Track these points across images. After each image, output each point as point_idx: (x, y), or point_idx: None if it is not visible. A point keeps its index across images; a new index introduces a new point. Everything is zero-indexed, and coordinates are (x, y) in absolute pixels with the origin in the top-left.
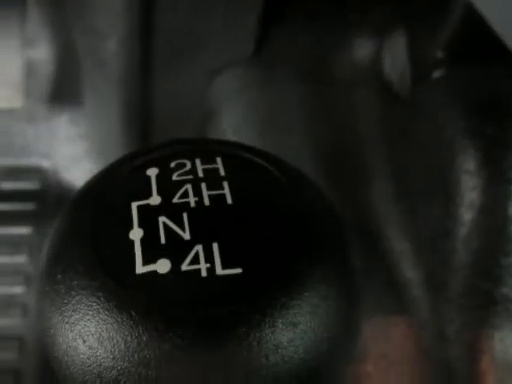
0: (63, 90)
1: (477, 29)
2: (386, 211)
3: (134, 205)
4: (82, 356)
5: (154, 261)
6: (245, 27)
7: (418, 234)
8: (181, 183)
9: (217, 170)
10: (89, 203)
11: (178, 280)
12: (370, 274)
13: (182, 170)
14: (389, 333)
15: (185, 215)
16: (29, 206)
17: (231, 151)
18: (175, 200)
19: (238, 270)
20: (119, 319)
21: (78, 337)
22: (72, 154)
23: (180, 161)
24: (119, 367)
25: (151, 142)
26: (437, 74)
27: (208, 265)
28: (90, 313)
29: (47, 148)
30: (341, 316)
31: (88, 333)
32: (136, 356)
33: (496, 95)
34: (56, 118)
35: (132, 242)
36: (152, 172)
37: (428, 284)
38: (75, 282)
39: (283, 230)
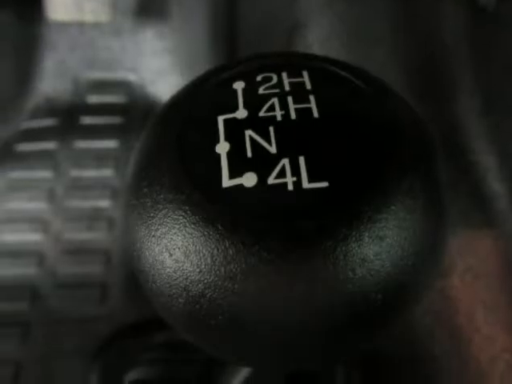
0: (149, 4)
1: None
2: (471, 125)
3: (221, 118)
4: (168, 270)
5: (240, 174)
6: None
7: (504, 148)
8: (267, 97)
9: (303, 83)
10: (175, 117)
11: (265, 193)
12: (456, 187)
13: (268, 84)
14: (475, 246)
15: (271, 129)
16: (115, 120)
17: (317, 65)
18: (261, 113)
19: (325, 184)
20: (206, 233)
21: (164, 250)
22: (158, 67)
23: (266, 74)
24: (205, 281)
25: (237, 56)
26: None
27: (294, 178)
28: (177, 226)
29: (133, 62)
30: (427, 230)
31: (174, 246)
32: (222, 270)
33: None
34: (142, 31)
35: (218, 156)
36: (238, 85)
37: None
38: (161, 196)
39: (369, 143)
